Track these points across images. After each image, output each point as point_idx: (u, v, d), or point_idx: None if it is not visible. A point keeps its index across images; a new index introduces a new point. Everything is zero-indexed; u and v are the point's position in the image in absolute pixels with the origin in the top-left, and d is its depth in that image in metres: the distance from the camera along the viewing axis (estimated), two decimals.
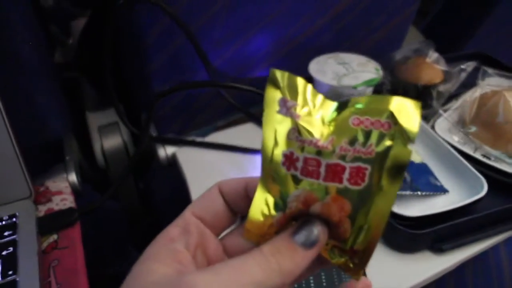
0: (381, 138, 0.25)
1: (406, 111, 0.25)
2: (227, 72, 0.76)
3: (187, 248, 0.27)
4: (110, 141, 0.80)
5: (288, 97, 0.27)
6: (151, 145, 0.74)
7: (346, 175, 0.25)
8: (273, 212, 0.27)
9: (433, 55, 0.72)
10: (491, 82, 0.71)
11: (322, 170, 0.25)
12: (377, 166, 0.25)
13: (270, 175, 0.27)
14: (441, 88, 0.70)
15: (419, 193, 0.57)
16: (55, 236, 0.54)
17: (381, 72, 0.71)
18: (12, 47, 0.61)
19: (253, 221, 0.27)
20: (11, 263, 0.48)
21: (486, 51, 0.88)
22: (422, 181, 0.59)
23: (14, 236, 0.51)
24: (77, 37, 0.91)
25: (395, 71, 0.74)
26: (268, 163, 0.27)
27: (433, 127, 0.67)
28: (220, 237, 0.31)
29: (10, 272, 0.47)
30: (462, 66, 0.71)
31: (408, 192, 0.56)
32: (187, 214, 0.29)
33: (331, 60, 0.73)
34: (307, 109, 0.27)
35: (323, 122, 0.27)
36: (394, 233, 0.53)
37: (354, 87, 0.68)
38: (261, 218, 0.27)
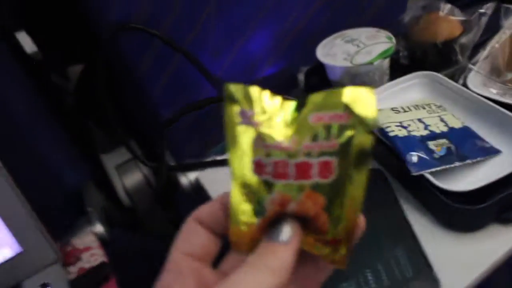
0: (341, 129, 0.26)
1: (361, 99, 0.26)
2: (234, 80, 0.72)
3: None
4: (130, 179, 0.77)
5: (246, 108, 0.28)
6: (172, 174, 0.70)
7: (314, 171, 0.26)
8: (253, 219, 0.28)
9: (445, 7, 0.65)
10: None
11: (291, 170, 0.27)
12: (343, 156, 0.26)
13: (244, 184, 0.28)
14: (463, 40, 0.64)
15: (469, 161, 0.51)
16: None
17: (394, 40, 0.65)
18: (7, 113, 0.59)
19: (235, 233, 0.28)
20: None
21: None
22: (468, 147, 0.53)
23: None
24: (75, 81, 0.89)
25: (408, 34, 0.69)
26: (240, 173, 0.28)
27: (465, 85, 0.61)
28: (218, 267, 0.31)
29: None
30: (481, 10, 0.64)
31: (456, 164, 0.50)
32: (175, 256, 0.29)
33: (338, 40, 0.68)
34: (267, 115, 0.28)
35: (284, 124, 0.28)
36: (453, 213, 0.48)
37: (370, 63, 0.62)
38: (243, 228, 0.28)
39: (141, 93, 0.70)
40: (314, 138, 0.26)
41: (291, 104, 0.28)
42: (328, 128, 0.26)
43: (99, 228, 0.61)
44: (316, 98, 0.27)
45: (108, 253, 0.57)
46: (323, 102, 0.27)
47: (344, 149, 0.26)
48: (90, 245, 0.58)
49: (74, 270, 0.55)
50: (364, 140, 0.26)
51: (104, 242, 0.60)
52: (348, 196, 0.26)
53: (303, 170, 0.26)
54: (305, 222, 0.27)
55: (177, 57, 0.65)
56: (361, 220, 0.28)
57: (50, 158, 0.67)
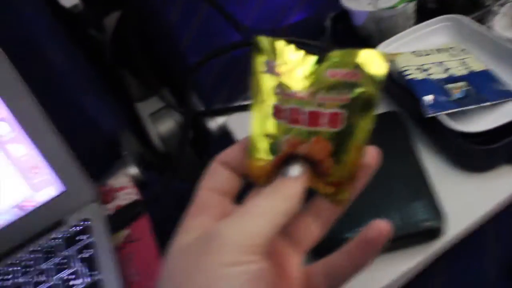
0: (353, 86, 0.29)
1: (373, 60, 0.29)
2: (260, 27, 0.73)
3: (211, 218, 0.30)
4: (164, 125, 0.80)
5: (272, 59, 0.31)
6: (202, 119, 0.74)
7: (325, 120, 0.29)
8: (269, 156, 0.31)
9: None
10: None
11: (305, 117, 0.30)
12: (352, 110, 0.29)
13: (263, 125, 0.31)
14: None
15: (487, 103, 0.51)
16: (127, 231, 0.56)
17: None
18: (45, 60, 0.63)
19: (253, 166, 0.31)
20: (93, 264, 0.51)
21: None
22: (488, 90, 0.53)
23: (91, 239, 0.53)
24: (111, 32, 0.92)
25: None
26: (260, 115, 0.31)
27: (491, 28, 0.60)
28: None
29: (95, 273, 0.50)
30: None
31: (473, 106, 0.51)
32: (201, 192, 0.32)
33: None
34: (289, 67, 0.31)
35: (303, 76, 0.31)
36: (466, 154, 0.49)
37: (394, 7, 0.62)
38: (260, 163, 0.31)
39: (171, 41, 0.72)
40: (328, 91, 0.29)
41: (312, 59, 0.31)
42: (341, 83, 0.29)
43: (133, 170, 0.65)
44: (334, 55, 0.30)
45: (141, 192, 0.62)
46: (340, 60, 0.30)
47: (353, 104, 0.29)
48: (125, 185, 0.62)
49: (111, 207, 0.59)
50: (372, 94, 0.29)
51: (138, 183, 0.64)
52: (353, 142, 0.29)
53: (315, 118, 0.29)
54: (313, 165, 0.30)
55: (205, 5, 0.66)
56: (374, 157, 0.31)
57: (88, 106, 0.70)
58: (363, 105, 0.29)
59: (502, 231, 0.62)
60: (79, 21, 0.85)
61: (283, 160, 0.31)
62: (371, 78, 0.29)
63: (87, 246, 0.53)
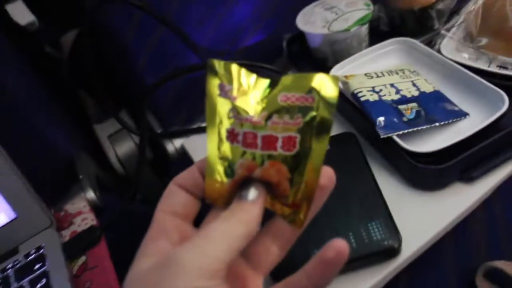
0: (307, 110, 0.30)
1: (326, 85, 0.30)
2: (218, 49, 0.74)
3: (170, 242, 0.30)
4: (122, 147, 0.79)
5: (225, 82, 0.31)
6: (161, 141, 0.73)
7: (279, 144, 0.30)
8: (224, 179, 0.31)
9: None
10: None
11: (259, 141, 0.30)
12: (305, 133, 0.30)
13: (218, 149, 0.31)
14: (440, 6, 0.65)
15: (437, 124, 0.53)
16: (83, 258, 0.54)
17: (371, 7, 0.66)
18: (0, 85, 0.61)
19: (210, 188, 0.32)
20: None
21: None
22: (437, 110, 0.55)
23: (44, 267, 0.52)
24: (67, 51, 0.90)
25: (387, 1, 0.69)
26: (215, 139, 0.31)
27: (439, 51, 0.62)
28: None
29: None
30: None
31: (424, 126, 0.53)
32: (159, 215, 0.32)
33: (317, 8, 0.69)
34: (243, 90, 0.31)
35: (256, 100, 0.31)
36: (419, 173, 0.50)
37: (347, 30, 0.64)
38: (216, 185, 0.32)
39: (128, 62, 0.71)
40: (281, 115, 0.30)
41: (265, 82, 0.32)
42: (294, 108, 0.30)
43: (90, 194, 0.64)
44: (287, 79, 0.31)
45: (99, 217, 0.60)
46: (293, 84, 0.30)
47: (307, 127, 0.30)
48: (81, 210, 0.61)
49: (67, 233, 0.58)
50: (326, 118, 0.30)
51: (95, 207, 0.63)
52: (308, 166, 0.30)
53: (269, 142, 0.30)
54: (270, 187, 0.31)
55: (161, 26, 0.66)
56: (330, 178, 0.32)
57: (43, 128, 0.68)
58: (317, 128, 0.30)
59: (460, 244, 0.65)
60: (35, 40, 0.83)
61: (240, 183, 0.31)
62: (324, 102, 0.30)
63: (41, 276, 0.51)
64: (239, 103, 0.31)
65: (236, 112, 0.31)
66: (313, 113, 0.30)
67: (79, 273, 0.53)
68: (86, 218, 0.59)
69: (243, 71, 0.32)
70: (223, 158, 0.31)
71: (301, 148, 0.30)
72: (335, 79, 0.30)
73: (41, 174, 0.63)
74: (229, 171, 0.31)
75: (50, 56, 0.96)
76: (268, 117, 0.30)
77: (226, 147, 0.31)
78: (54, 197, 0.63)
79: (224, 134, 0.31)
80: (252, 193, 0.30)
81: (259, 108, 0.31)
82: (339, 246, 0.29)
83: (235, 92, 0.31)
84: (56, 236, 0.55)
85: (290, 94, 0.30)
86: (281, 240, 0.33)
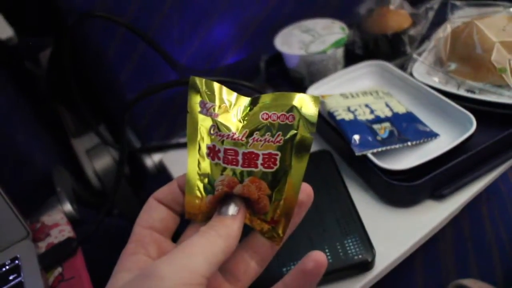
0: (287, 128, 0.30)
1: (306, 104, 0.30)
2: (198, 67, 0.75)
3: (149, 257, 0.31)
4: (100, 162, 0.79)
5: (207, 100, 0.32)
6: (139, 156, 0.73)
7: (260, 161, 0.30)
8: (204, 195, 0.32)
9: (395, 1, 0.70)
10: (461, 14, 0.68)
11: (240, 158, 0.31)
12: (286, 151, 0.30)
13: (198, 165, 0.32)
14: (412, 32, 0.69)
15: (409, 143, 0.56)
16: (59, 269, 0.54)
17: (347, 31, 0.69)
18: None
19: (190, 204, 0.32)
20: None
21: None
22: (410, 130, 0.58)
23: (19, 278, 0.51)
24: (46, 66, 0.90)
25: (362, 26, 0.73)
26: (195, 155, 0.32)
27: (411, 74, 0.65)
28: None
29: None
30: (428, 5, 0.69)
31: (397, 145, 0.55)
32: (137, 229, 0.32)
33: (295, 31, 0.72)
34: (224, 108, 0.32)
35: (237, 117, 0.32)
36: (392, 190, 0.52)
37: (323, 52, 0.66)
38: (196, 201, 0.32)
39: (108, 78, 0.72)
40: (262, 133, 0.31)
41: (246, 100, 0.32)
42: (275, 126, 0.31)
43: (67, 206, 0.63)
44: (267, 98, 0.32)
45: (76, 230, 0.60)
46: (274, 103, 0.31)
47: (287, 145, 0.30)
48: (58, 222, 0.60)
49: (43, 245, 0.57)
50: (306, 137, 0.30)
51: (73, 220, 0.63)
52: (288, 183, 0.31)
53: (249, 159, 0.31)
54: (249, 203, 0.32)
55: (143, 43, 0.68)
56: (308, 195, 0.33)
57: (22, 142, 0.68)
58: (297, 146, 0.30)
59: (429, 262, 0.67)
60: (13, 55, 0.83)
61: (220, 199, 0.32)
62: (304, 121, 0.30)
63: (16, 286, 0.50)
64: (220, 120, 0.32)
65: (217, 129, 0.31)
66: (294, 131, 0.30)
67: (55, 284, 0.52)
68: (63, 230, 0.59)
69: (224, 89, 0.33)
70: (203, 174, 0.32)
71: (281, 165, 0.30)
72: (316, 98, 0.31)
73: (18, 187, 0.63)
74: (209, 187, 0.32)
75: (29, 71, 0.96)
76: (249, 135, 0.31)
77: (206, 164, 0.32)
78: (31, 209, 0.62)
79: (204, 150, 0.32)
80: (232, 208, 0.31)
81: (240, 125, 0.31)
82: (317, 257, 0.30)
83: (216, 109, 0.32)
84: (32, 247, 0.55)
85: (271, 112, 0.31)
86: (259, 255, 0.34)
